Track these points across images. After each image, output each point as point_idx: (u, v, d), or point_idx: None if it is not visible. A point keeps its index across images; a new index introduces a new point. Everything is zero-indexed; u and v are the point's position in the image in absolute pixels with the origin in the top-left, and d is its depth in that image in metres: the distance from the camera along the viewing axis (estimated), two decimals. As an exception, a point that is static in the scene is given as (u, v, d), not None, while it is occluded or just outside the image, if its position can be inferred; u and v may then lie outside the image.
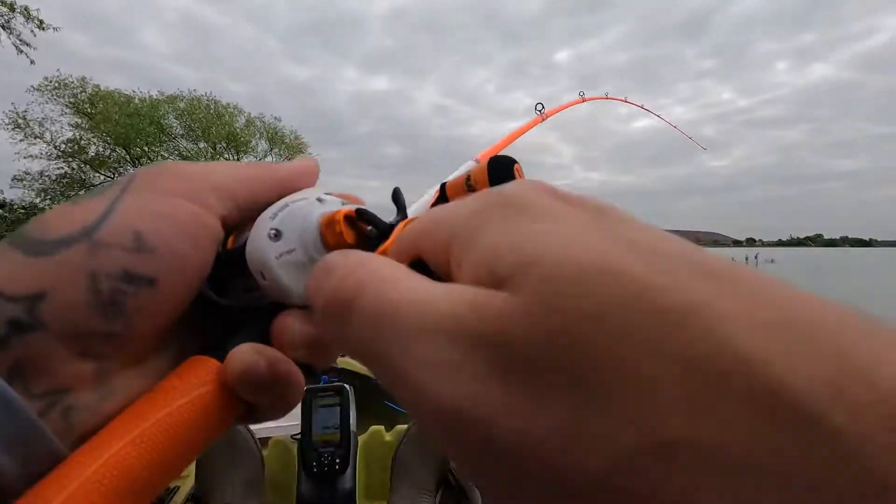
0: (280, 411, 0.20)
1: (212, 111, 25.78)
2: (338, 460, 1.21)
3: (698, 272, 0.10)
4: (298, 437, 1.31)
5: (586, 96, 2.17)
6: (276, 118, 29.07)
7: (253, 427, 1.33)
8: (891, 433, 0.08)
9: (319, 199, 0.22)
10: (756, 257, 42.76)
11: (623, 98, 2.64)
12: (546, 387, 0.10)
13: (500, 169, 0.24)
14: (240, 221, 0.21)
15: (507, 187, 0.13)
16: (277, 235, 0.20)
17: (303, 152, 29.72)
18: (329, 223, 0.20)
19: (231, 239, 0.22)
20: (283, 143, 29.32)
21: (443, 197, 0.26)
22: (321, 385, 1.45)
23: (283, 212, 0.21)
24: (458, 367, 0.10)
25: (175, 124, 25.02)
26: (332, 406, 1.28)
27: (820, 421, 0.08)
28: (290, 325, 0.19)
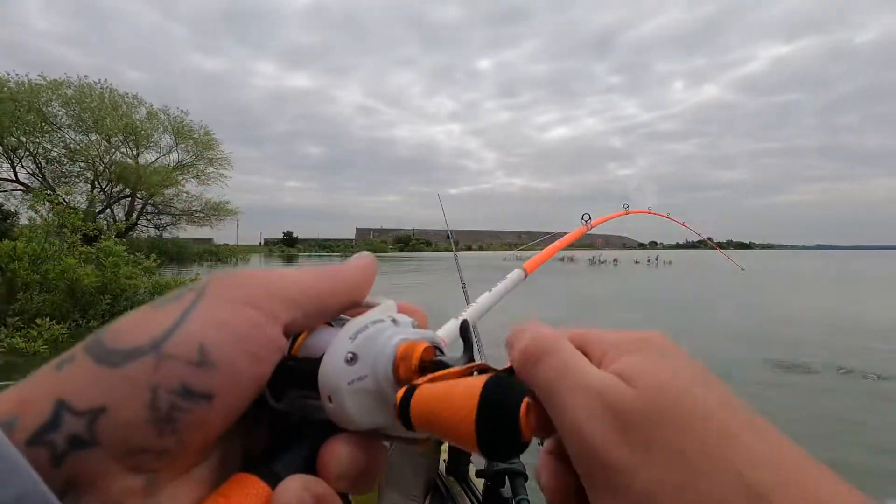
0: None
1: (106, 100, 23.23)
2: None
3: (733, 408, 0.17)
4: None
5: (630, 209, 2.16)
6: (182, 111, 26.88)
7: None
8: None
9: (394, 321, 0.22)
10: (657, 258, 46.47)
11: (665, 214, 2.59)
12: (651, 445, 0.16)
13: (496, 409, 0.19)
14: (304, 325, 0.22)
15: (648, 333, 0.21)
16: (353, 360, 0.20)
17: (213, 149, 27.80)
18: (405, 357, 0.21)
19: (297, 344, 0.22)
20: (192, 139, 27.19)
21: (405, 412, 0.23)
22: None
23: (363, 335, 0.21)
24: (599, 416, 0.17)
25: (61, 113, 22.18)
26: None
27: None
28: (342, 453, 0.20)
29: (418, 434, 0.20)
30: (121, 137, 24.33)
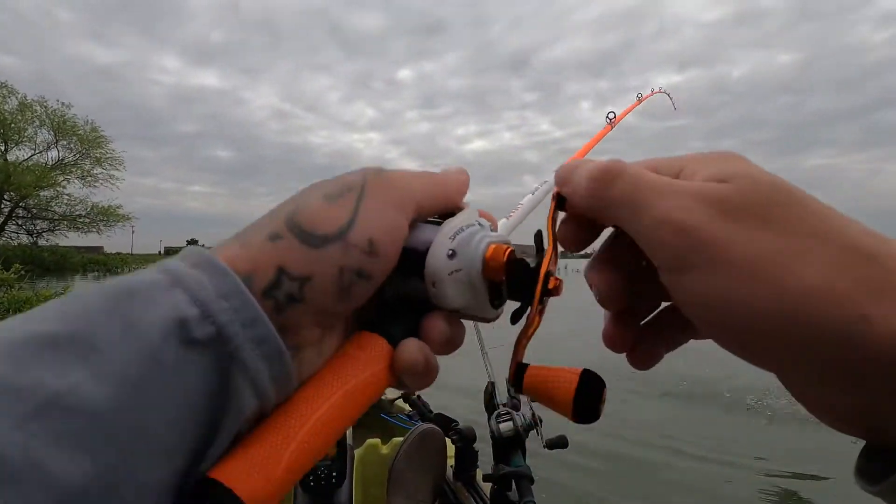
0: (416, 388, 0.26)
1: (-37, 87, 20.33)
2: (334, 474, 1.18)
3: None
4: None
5: (643, 96, 2.17)
6: (64, 104, 24.03)
7: None
8: None
9: (480, 224, 0.27)
10: (566, 268, 49.13)
11: (668, 94, 2.53)
12: (768, 219, 0.19)
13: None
14: (417, 221, 0.26)
15: (724, 152, 0.23)
16: (453, 255, 0.25)
17: (101, 147, 25.27)
18: (493, 257, 0.25)
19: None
20: (75, 135, 24.43)
21: (560, 205, 0.28)
22: None
23: (461, 235, 0.26)
24: (699, 208, 0.19)
25: None
26: None
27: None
28: (441, 326, 0.25)
29: (491, 314, 0.27)
30: (-17, 130, 21.42)
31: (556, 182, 0.27)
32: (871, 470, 0.18)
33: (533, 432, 1.18)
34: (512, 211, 0.55)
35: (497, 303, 0.27)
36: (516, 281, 0.26)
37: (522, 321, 0.26)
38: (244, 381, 0.19)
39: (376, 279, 0.24)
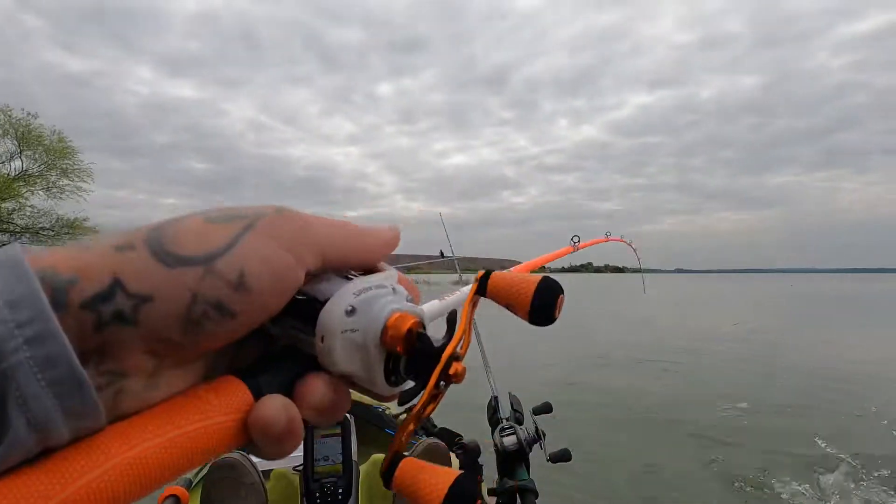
0: (270, 455, 0.22)
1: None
2: (340, 491, 1.19)
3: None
4: (300, 468, 1.27)
5: (610, 236, 2.21)
6: (30, 114, 23.28)
7: (255, 459, 1.25)
8: None
9: (394, 290, 0.25)
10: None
11: (629, 243, 2.66)
12: None
13: (547, 293, 0.26)
14: (320, 272, 0.24)
15: None
16: (352, 312, 0.22)
17: (68, 158, 24.52)
18: (395, 325, 0.23)
19: (305, 279, 0.24)
20: (41, 146, 23.68)
21: (482, 289, 0.28)
22: None
23: (364, 295, 0.23)
24: None
25: None
26: (333, 436, 1.25)
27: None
28: (320, 388, 0.22)
29: (385, 390, 0.24)
30: (-60, 139, 20.53)
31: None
32: None
33: (536, 446, 1.18)
34: (445, 295, 0.52)
35: (394, 379, 0.24)
36: (416, 358, 0.23)
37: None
38: (17, 410, 0.16)
39: (244, 319, 0.21)
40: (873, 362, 7.70)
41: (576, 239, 1.64)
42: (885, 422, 4.70)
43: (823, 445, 4.03)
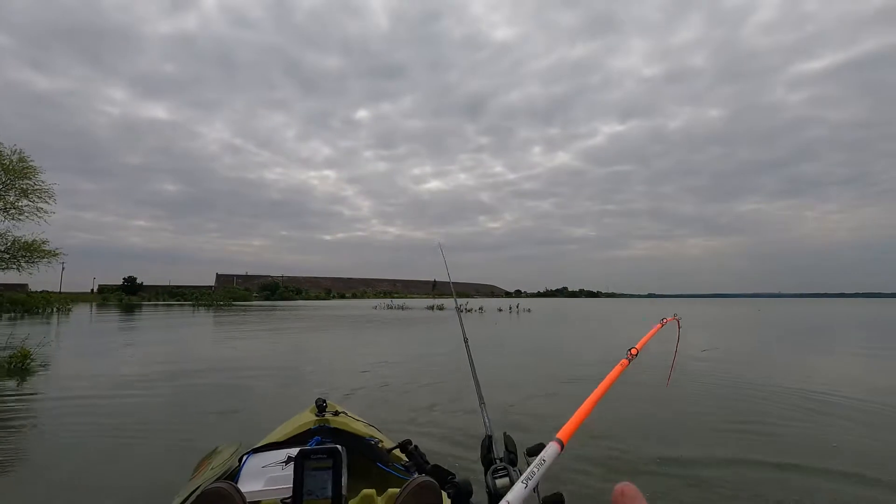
0: None
1: None
2: None
3: None
4: (289, 500, 1.25)
5: (665, 320, 2.13)
6: (-13, 132, 22.54)
7: (244, 489, 1.21)
8: None
9: None
10: (517, 306, 49.58)
11: (678, 318, 2.44)
12: None
13: None
14: None
15: None
16: None
17: (29, 178, 23.53)
18: None
19: None
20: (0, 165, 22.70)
21: None
22: (313, 447, 1.29)
23: None
24: None
25: None
26: (324, 469, 1.22)
27: None
28: None
29: None
30: None
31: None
32: None
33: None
34: None
35: None
36: None
37: None
38: None
39: None
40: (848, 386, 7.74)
41: (631, 352, 1.46)
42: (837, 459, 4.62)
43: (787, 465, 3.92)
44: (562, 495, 1.17)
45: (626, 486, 0.29)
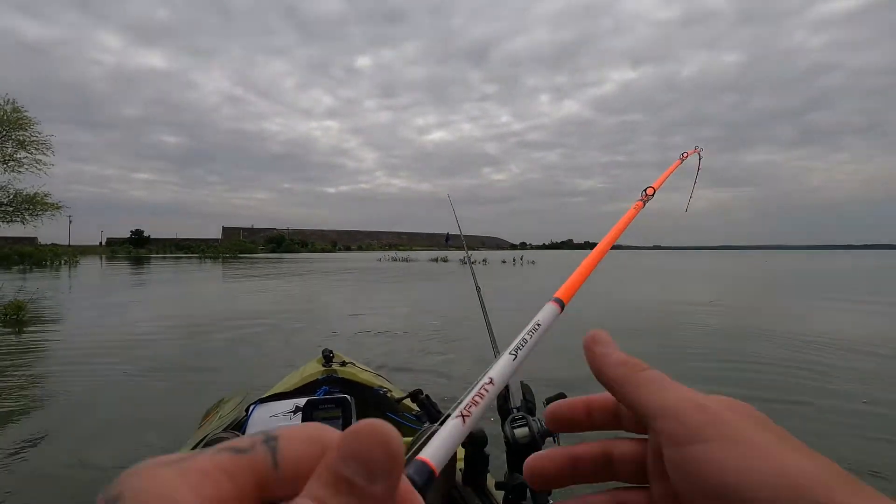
0: None
1: None
2: None
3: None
4: None
5: (685, 154, 1.87)
6: (-21, 81, 21.88)
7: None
8: None
9: None
10: (521, 258, 49.84)
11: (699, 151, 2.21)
12: (760, 425, 0.22)
13: None
14: None
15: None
16: None
17: (25, 129, 23.07)
18: None
19: None
20: (-7, 116, 22.20)
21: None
22: (321, 397, 1.27)
23: None
24: (711, 400, 0.24)
25: None
26: (333, 419, 1.21)
27: None
28: None
29: None
30: None
31: (588, 345, 0.29)
32: None
33: (550, 439, 1.13)
34: None
35: None
36: None
37: None
38: None
39: None
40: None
41: (647, 192, 1.39)
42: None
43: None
44: (564, 395, 1.12)
45: (597, 332, 0.28)
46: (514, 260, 46.71)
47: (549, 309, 0.36)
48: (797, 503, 0.19)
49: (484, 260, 46.75)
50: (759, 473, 0.20)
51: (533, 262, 42.67)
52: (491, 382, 0.27)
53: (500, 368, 0.29)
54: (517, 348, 0.30)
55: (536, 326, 0.33)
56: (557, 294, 0.40)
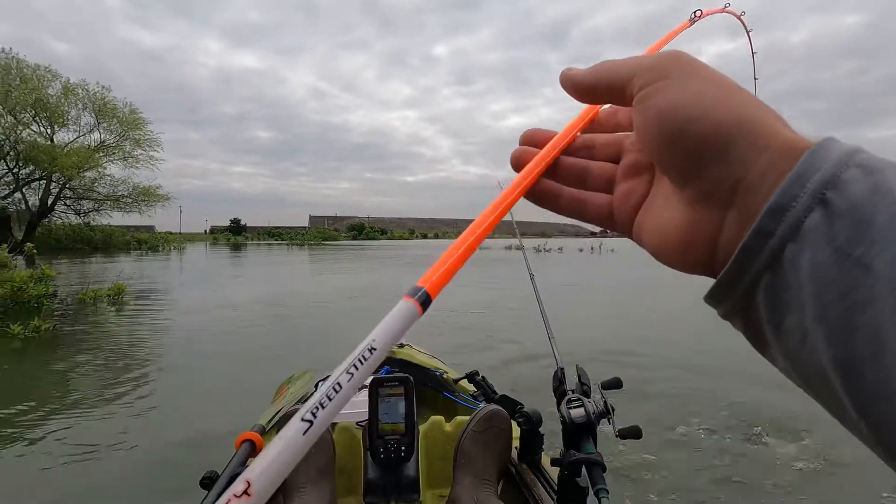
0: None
1: (13, 72, 21.03)
2: (403, 448, 1.26)
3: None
4: (363, 423, 1.35)
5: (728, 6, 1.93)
6: (103, 87, 24.66)
7: None
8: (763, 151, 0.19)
9: None
10: (600, 247, 47.90)
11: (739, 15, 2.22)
12: (710, 70, 0.23)
13: None
14: None
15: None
16: None
17: (139, 129, 25.86)
18: None
19: None
20: (115, 117, 25.06)
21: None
22: (385, 376, 1.39)
23: None
24: (671, 51, 0.24)
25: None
26: (397, 395, 1.30)
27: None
28: None
29: None
30: (31, 113, 22.21)
31: (564, 80, 0.29)
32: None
33: (605, 420, 1.15)
34: None
35: None
36: None
37: None
38: None
39: None
40: None
41: (697, 13, 1.27)
42: None
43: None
44: (639, 428, 1.13)
45: (565, 70, 0.29)
46: (591, 248, 44.98)
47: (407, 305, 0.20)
48: (743, 125, 0.20)
49: (559, 248, 45.50)
50: (711, 98, 0.21)
51: (612, 251, 40.79)
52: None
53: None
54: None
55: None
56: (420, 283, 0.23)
